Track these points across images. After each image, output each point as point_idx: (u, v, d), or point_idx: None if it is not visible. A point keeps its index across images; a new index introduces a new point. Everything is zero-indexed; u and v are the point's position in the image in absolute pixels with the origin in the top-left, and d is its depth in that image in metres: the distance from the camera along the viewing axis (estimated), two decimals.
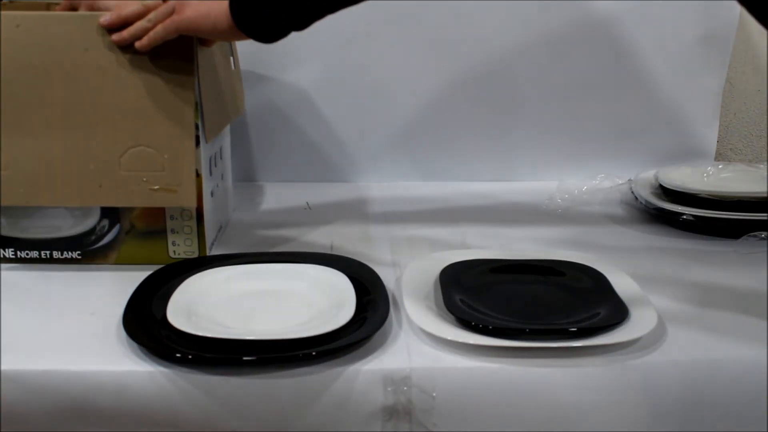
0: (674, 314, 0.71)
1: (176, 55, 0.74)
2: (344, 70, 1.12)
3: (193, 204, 0.72)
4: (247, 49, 1.00)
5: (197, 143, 0.79)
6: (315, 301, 0.71)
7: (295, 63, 0.98)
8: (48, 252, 0.81)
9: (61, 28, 0.74)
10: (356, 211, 1.02)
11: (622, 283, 0.74)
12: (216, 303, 0.71)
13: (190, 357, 0.61)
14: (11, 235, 0.80)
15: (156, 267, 0.78)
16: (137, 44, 0.73)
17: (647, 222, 0.98)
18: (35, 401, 0.61)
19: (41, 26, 0.74)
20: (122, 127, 0.74)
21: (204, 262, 0.79)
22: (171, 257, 0.82)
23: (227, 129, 0.97)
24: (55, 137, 0.73)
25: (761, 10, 0.65)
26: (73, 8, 0.79)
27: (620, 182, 1.08)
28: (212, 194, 0.86)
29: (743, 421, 0.64)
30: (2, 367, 0.61)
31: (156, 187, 0.72)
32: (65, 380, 0.61)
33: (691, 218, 0.92)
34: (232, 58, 0.95)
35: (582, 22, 1.11)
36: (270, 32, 0.71)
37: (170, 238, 0.81)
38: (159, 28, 0.72)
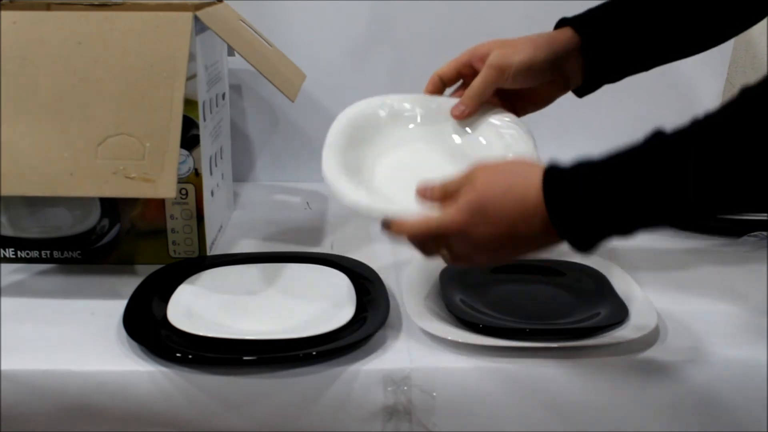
0: (674, 314, 0.71)
1: (170, 45, 0.73)
2: (344, 69, 1.12)
3: (172, 195, 0.69)
4: None
5: (197, 142, 0.79)
6: (315, 301, 0.71)
7: (296, 62, 0.98)
8: (48, 252, 0.81)
9: (57, 24, 0.73)
10: (356, 211, 1.02)
11: (622, 283, 0.74)
12: (216, 303, 0.71)
13: (190, 357, 0.61)
14: (11, 234, 0.80)
15: (156, 267, 0.78)
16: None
17: None
18: (35, 401, 0.61)
19: (38, 23, 0.73)
20: (104, 115, 0.71)
21: (204, 262, 0.79)
22: (171, 257, 0.82)
23: (227, 128, 0.97)
24: (32, 126, 0.71)
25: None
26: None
27: None
28: (212, 194, 0.86)
29: (743, 421, 0.64)
30: (2, 367, 0.61)
31: (133, 175, 0.70)
32: (65, 380, 0.61)
33: None
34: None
35: None
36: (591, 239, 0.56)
37: (170, 237, 0.81)
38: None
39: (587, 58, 0.71)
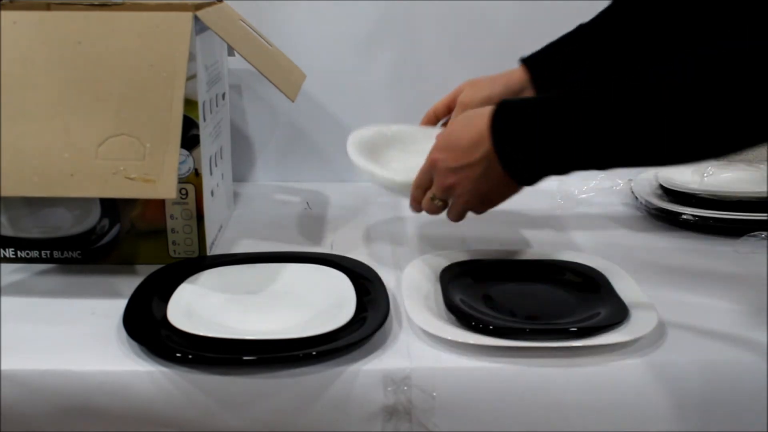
0: (674, 314, 0.71)
1: (170, 45, 0.73)
2: (345, 69, 1.12)
3: (172, 195, 0.70)
4: None
5: (197, 142, 0.79)
6: (315, 301, 0.71)
7: (296, 62, 0.98)
8: (48, 252, 0.81)
9: (57, 24, 0.73)
10: (356, 211, 1.02)
11: (622, 283, 0.74)
12: (216, 303, 0.71)
13: (190, 357, 0.61)
14: (11, 234, 0.80)
15: (156, 267, 0.78)
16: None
17: (647, 222, 0.98)
18: (35, 401, 0.61)
19: (38, 23, 0.73)
20: (104, 115, 0.71)
21: (204, 262, 0.79)
22: (171, 257, 0.82)
23: (227, 129, 0.97)
24: (32, 126, 0.71)
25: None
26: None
27: (620, 182, 1.08)
28: (212, 194, 0.86)
29: (743, 421, 0.64)
30: (2, 367, 0.61)
31: (133, 176, 0.70)
32: (65, 380, 0.61)
33: (691, 218, 0.92)
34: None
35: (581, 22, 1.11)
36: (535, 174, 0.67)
37: (170, 237, 0.81)
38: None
39: (538, 89, 0.83)
